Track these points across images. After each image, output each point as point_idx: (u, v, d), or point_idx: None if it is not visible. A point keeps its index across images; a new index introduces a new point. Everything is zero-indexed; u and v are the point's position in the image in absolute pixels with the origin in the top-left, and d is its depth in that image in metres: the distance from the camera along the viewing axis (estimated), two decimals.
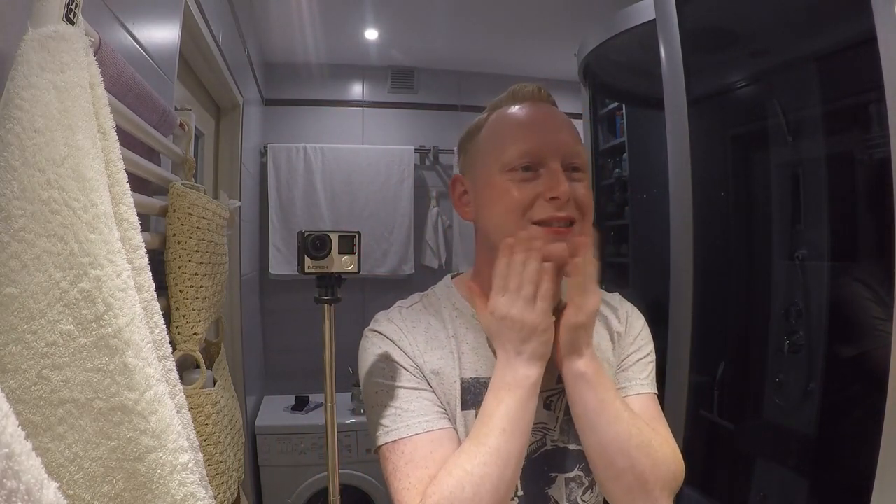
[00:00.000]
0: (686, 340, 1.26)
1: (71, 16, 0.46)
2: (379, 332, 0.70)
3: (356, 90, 2.69)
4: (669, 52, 1.30)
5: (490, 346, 0.69)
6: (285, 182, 2.49)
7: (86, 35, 0.49)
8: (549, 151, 0.65)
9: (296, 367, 2.44)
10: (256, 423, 2.15)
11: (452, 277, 0.79)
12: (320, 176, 2.51)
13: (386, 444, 0.63)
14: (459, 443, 0.63)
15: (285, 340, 2.53)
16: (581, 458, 0.69)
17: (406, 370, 0.67)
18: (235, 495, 0.90)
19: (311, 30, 2.23)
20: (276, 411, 2.28)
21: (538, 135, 0.66)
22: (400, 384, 0.66)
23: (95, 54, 0.51)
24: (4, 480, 0.25)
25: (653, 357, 0.78)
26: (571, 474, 0.70)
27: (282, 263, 2.47)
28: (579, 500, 0.70)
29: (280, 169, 2.49)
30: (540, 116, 0.69)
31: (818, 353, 1.29)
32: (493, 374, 0.63)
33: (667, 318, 1.33)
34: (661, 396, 1.36)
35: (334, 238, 0.71)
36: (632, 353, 0.76)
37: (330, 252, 0.71)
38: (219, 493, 0.81)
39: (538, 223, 0.64)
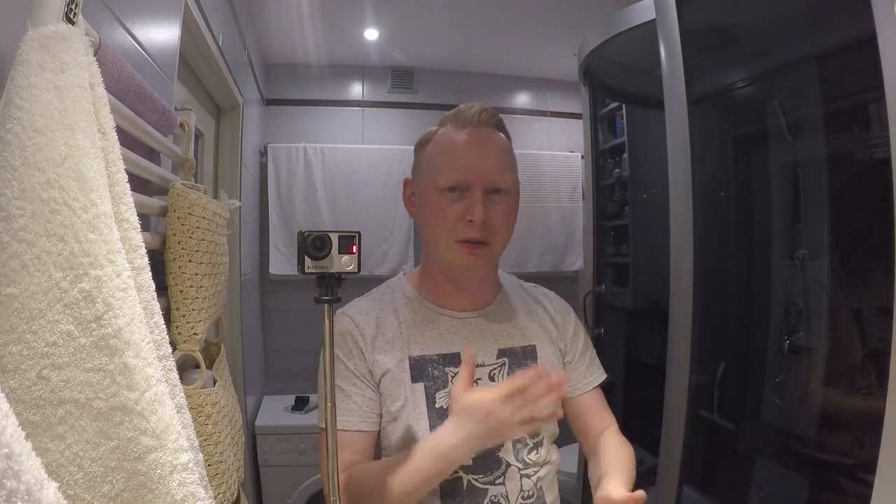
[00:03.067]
0: (686, 340, 1.26)
1: (71, 16, 0.46)
2: (346, 314, 0.82)
3: (356, 90, 2.69)
4: (669, 52, 1.30)
5: (433, 327, 0.81)
6: (285, 182, 2.49)
7: (86, 35, 0.49)
8: (472, 177, 0.75)
9: (296, 367, 2.44)
10: (256, 423, 2.15)
11: (404, 274, 0.91)
12: (320, 176, 2.51)
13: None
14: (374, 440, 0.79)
15: (285, 340, 2.53)
16: None
17: (356, 365, 0.79)
18: (235, 495, 0.90)
19: (311, 30, 2.23)
20: (276, 411, 2.28)
21: (465, 161, 0.76)
22: (348, 379, 0.78)
23: (95, 54, 0.51)
24: (4, 480, 0.25)
25: (589, 343, 0.91)
26: (516, 436, 0.80)
27: (282, 263, 2.47)
28: (527, 459, 0.80)
29: (280, 169, 2.49)
30: (472, 142, 0.78)
31: (818, 353, 1.29)
32: (440, 437, 0.70)
33: (667, 318, 1.33)
34: (661, 396, 1.36)
35: (334, 238, 0.71)
36: (570, 348, 0.88)
37: (330, 252, 0.71)
38: (219, 493, 0.81)
39: (459, 241, 0.76)
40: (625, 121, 2.04)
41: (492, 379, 0.81)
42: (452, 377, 0.79)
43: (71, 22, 0.46)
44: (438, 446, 0.70)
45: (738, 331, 1.52)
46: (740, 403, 1.47)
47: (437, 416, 0.78)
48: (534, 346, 0.85)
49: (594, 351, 0.92)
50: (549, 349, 0.86)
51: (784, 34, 1.37)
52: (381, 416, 0.80)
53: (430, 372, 0.79)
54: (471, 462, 0.76)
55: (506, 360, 0.83)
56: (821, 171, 1.32)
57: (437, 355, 0.80)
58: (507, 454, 0.80)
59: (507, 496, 0.78)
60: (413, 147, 0.87)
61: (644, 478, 1.74)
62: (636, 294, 1.95)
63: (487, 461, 0.78)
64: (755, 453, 1.40)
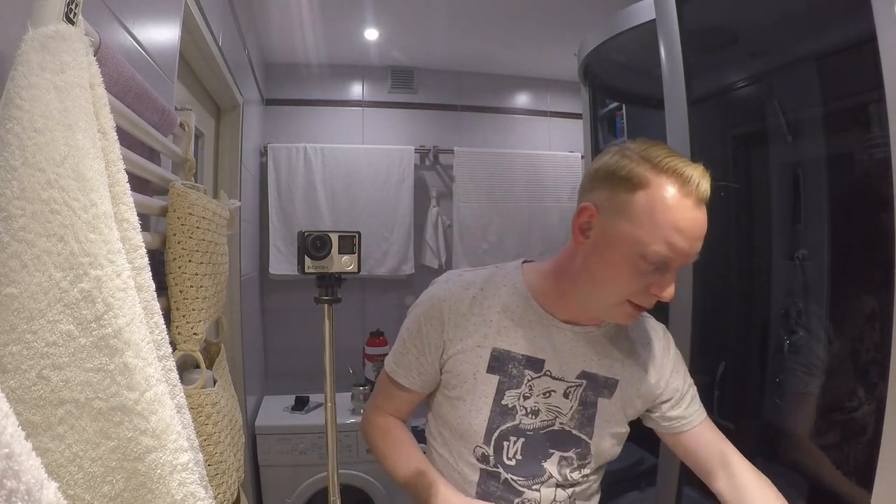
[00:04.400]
0: (686, 340, 1.26)
1: (71, 16, 0.46)
2: (449, 281, 0.85)
3: (356, 90, 2.69)
4: (669, 52, 1.30)
5: (529, 327, 0.80)
6: (285, 182, 2.49)
7: (86, 35, 0.49)
8: (681, 261, 0.69)
9: (296, 367, 2.44)
10: (256, 423, 2.15)
11: (523, 263, 0.87)
12: (320, 176, 2.51)
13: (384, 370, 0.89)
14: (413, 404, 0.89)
15: (285, 340, 2.53)
16: (580, 443, 0.81)
17: (429, 332, 0.82)
18: (235, 495, 0.90)
19: (311, 30, 2.23)
20: (276, 411, 2.28)
21: (685, 246, 0.68)
22: (414, 340, 0.83)
23: (95, 54, 0.51)
24: (4, 480, 0.25)
25: (690, 381, 0.89)
26: (568, 454, 0.81)
27: (282, 263, 2.47)
28: (569, 476, 0.81)
29: (280, 169, 2.49)
30: (696, 227, 0.69)
31: (818, 353, 1.29)
32: (440, 492, 0.79)
33: (667, 318, 1.33)
34: None
35: (334, 238, 0.71)
36: (680, 384, 0.86)
37: (330, 252, 0.71)
38: (219, 493, 0.81)
39: (632, 303, 0.71)
40: (625, 121, 2.04)
41: (566, 396, 0.80)
42: (529, 381, 0.80)
43: (71, 22, 0.46)
44: (437, 494, 0.78)
45: (738, 331, 1.52)
46: (740, 403, 1.47)
47: (500, 412, 0.79)
48: (616, 381, 0.82)
49: (695, 390, 0.88)
50: (631, 392, 0.83)
51: (784, 34, 1.37)
52: (431, 385, 0.86)
53: (509, 368, 0.79)
54: (513, 462, 0.80)
55: (585, 382, 0.81)
56: (821, 171, 1.32)
57: (523, 356, 0.80)
58: (552, 466, 0.81)
59: (539, 501, 0.80)
60: (603, 175, 0.73)
61: (644, 478, 1.74)
62: None
63: (531, 467, 0.80)
64: (755, 453, 1.40)
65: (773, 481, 0.82)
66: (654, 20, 1.35)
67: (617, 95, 2.07)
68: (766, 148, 1.49)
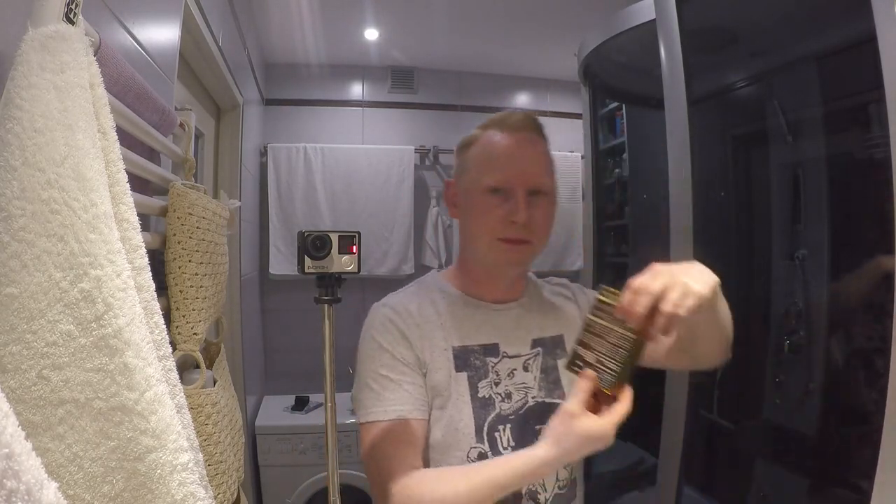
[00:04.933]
0: None
1: (71, 16, 0.46)
2: (386, 305, 0.83)
3: (356, 90, 2.69)
4: (669, 52, 1.30)
5: (472, 318, 0.83)
6: (285, 182, 2.49)
7: (86, 35, 0.49)
8: (516, 179, 0.78)
9: (296, 367, 2.44)
10: (256, 423, 2.15)
11: (438, 271, 0.94)
12: (320, 176, 2.51)
13: (365, 423, 0.75)
14: (425, 427, 0.76)
15: (285, 340, 2.53)
16: (558, 409, 0.80)
17: (402, 353, 0.78)
18: (235, 495, 0.90)
19: (311, 30, 2.23)
20: (276, 411, 2.28)
21: (510, 164, 0.79)
22: (395, 368, 0.77)
23: (95, 54, 0.51)
24: (4, 480, 0.25)
25: None
26: None
27: (282, 263, 2.47)
28: None
29: (280, 169, 2.49)
30: (517, 146, 0.81)
31: (818, 353, 1.29)
32: (535, 457, 0.67)
33: None
34: (661, 396, 1.36)
35: (334, 238, 0.71)
36: None
37: (330, 252, 0.71)
38: (219, 493, 0.81)
39: (501, 239, 0.78)
40: (625, 121, 2.04)
41: (526, 369, 0.84)
42: (493, 367, 0.82)
43: (71, 22, 0.46)
44: (530, 459, 0.67)
45: (738, 331, 1.52)
46: (740, 403, 1.47)
47: (480, 406, 0.80)
48: (562, 336, 0.88)
49: None
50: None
51: (784, 34, 1.37)
52: (427, 403, 0.79)
53: (472, 362, 0.81)
54: (509, 451, 0.78)
55: (539, 349, 0.85)
56: (821, 171, 1.32)
57: (479, 346, 0.83)
58: None
59: (543, 485, 0.80)
60: (454, 149, 0.89)
61: (644, 478, 1.74)
62: None
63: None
64: (755, 453, 1.40)
65: (773, 481, 0.82)
66: (654, 20, 1.35)
67: (617, 95, 2.07)
68: (766, 148, 1.49)
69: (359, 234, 0.75)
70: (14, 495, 0.25)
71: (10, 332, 0.39)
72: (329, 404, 0.85)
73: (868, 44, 0.86)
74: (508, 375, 0.82)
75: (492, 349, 0.83)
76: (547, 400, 0.83)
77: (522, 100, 2.85)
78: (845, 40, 1.15)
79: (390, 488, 0.70)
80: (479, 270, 0.86)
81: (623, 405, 0.63)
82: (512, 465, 0.68)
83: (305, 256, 0.70)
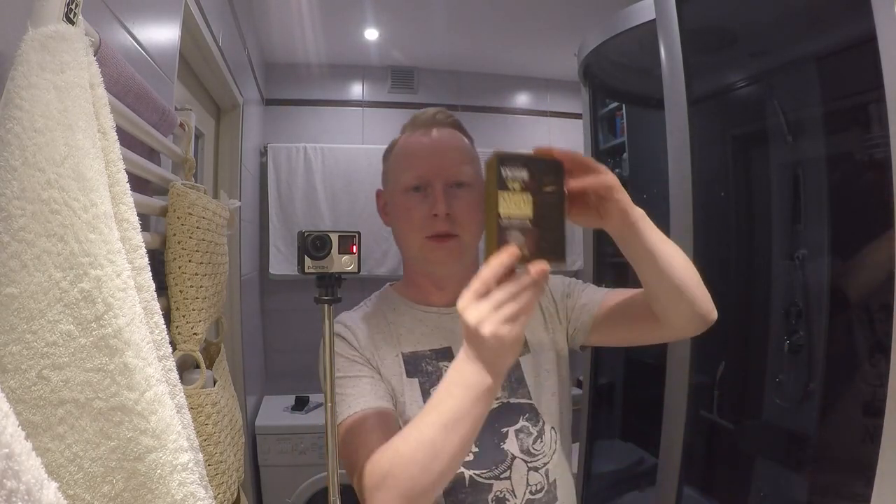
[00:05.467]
0: (686, 340, 1.26)
1: (71, 16, 0.46)
2: (338, 321, 0.82)
3: (356, 90, 2.69)
4: (669, 52, 1.30)
5: (421, 324, 0.83)
6: (285, 182, 2.49)
7: (86, 35, 0.49)
8: (432, 173, 0.78)
9: (296, 367, 2.43)
10: (256, 423, 2.15)
11: (390, 285, 0.93)
12: (320, 176, 2.51)
13: (339, 426, 0.73)
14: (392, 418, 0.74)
15: (285, 340, 2.53)
16: (523, 409, 0.80)
17: (353, 359, 0.78)
18: (235, 495, 0.90)
19: (311, 30, 2.23)
20: (276, 411, 2.28)
21: (424, 159, 0.80)
22: (352, 367, 0.77)
23: (95, 54, 0.51)
24: (4, 480, 0.25)
25: (584, 283, 0.92)
26: (518, 426, 0.79)
27: (282, 263, 2.47)
28: (531, 450, 0.79)
29: (280, 169, 2.49)
30: (429, 141, 0.82)
31: (818, 353, 1.29)
32: (452, 367, 0.61)
33: None
34: (661, 396, 1.36)
35: (334, 238, 0.71)
36: (574, 296, 0.90)
37: (330, 252, 0.71)
38: (219, 493, 0.81)
39: (428, 237, 0.78)
40: (625, 121, 2.04)
41: None
42: (445, 372, 0.74)
43: (71, 22, 0.46)
44: (453, 370, 0.60)
45: (738, 331, 1.52)
46: (740, 403, 1.47)
47: None
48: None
49: (585, 283, 0.93)
50: (536, 334, 0.86)
51: (784, 34, 1.37)
52: (391, 393, 0.76)
53: (423, 367, 0.80)
54: (471, 457, 0.75)
55: None
56: (821, 171, 1.32)
57: (430, 350, 0.81)
58: (511, 444, 0.78)
59: (513, 491, 0.75)
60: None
61: (644, 478, 1.74)
62: None
63: (490, 454, 0.76)
64: (755, 453, 1.40)
65: (772, 481, 0.82)
66: (654, 20, 1.35)
67: (617, 95, 2.07)
68: (766, 148, 1.49)
69: (359, 234, 0.74)
70: (14, 495, 0.25)
71: (10, 332, 0.39)
72: (329, 404, 0.84)
73: (868, 44, 0.86)
74: None
75: (444, 353, 0.81)
76: (511, 400, 0.80)
77: (522, 100, 2.85)
78: (845, 40, 1.15)
79: (362, 470, 0.65)
80: (421, 276, 0.85)
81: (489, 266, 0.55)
82: (444, 385, 0.61)
83: (305, 256, 0.70)
